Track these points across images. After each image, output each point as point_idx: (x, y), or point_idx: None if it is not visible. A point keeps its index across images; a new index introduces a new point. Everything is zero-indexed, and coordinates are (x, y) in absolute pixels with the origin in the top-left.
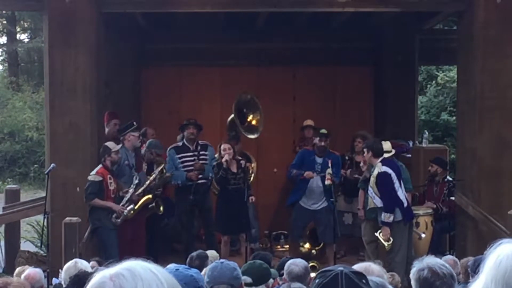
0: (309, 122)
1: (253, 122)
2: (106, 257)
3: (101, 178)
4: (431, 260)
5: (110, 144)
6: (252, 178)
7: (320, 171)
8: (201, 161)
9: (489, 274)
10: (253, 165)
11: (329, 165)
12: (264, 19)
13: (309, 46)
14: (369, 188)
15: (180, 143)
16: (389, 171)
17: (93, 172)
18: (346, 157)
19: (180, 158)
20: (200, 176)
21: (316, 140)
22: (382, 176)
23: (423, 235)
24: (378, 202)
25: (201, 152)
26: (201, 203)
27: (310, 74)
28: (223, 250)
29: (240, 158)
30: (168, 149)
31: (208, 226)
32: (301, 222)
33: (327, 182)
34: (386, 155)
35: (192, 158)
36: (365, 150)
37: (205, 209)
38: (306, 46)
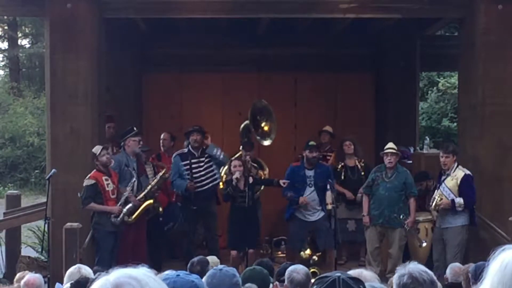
0: (327, 128)
1: (266, 129)
2: (98, 261)
3: (93, 181)
4: (413, 266)
5: (94, 149)
6: (263, 186)
7: (314, 184)
8: (206, 165)
9: (495, 278)
10: (265, 172)
11: (328, 187)
12: (265, 25)
13: (311, 52)
14: (446, 189)
15: (185, 150)
16: (470, 173)
17: (87, 177)
18: (339, 167)
19: (185, 165)
20: (197, 185)
21: (306, 152)
22: (470, 178)
23: (424, 243)
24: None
25: (207, 159)
26: (204, 209)
27: (312, 80)
28: (233, 265)
29: (248, 174)
30: (173, 155)
31: (210, 230)
32: (301, 234)
33: (329, 207)
34: (388, 151)
35: (197, 165)
36: (450, 154)
37: (209, 214)
38: (307, 52)
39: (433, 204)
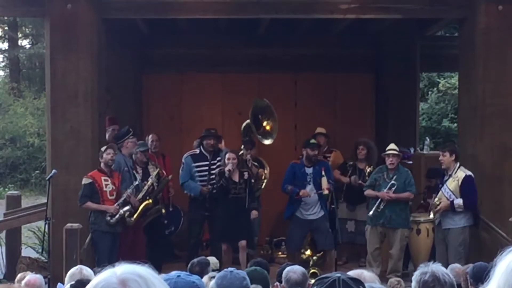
0: (320, 129)
1: (267, 128)
2: (96, 261)
3: (90, 180)
4: (436, 267)
5: (103, 148)
6: (264, 184)
7: (313, 181)
8: (217, 168)
9: (501, 280)
10: (266, 171)
11: (323, 173)
12: (265, 25)
13: (311, 52)
14: (448, 190)
15: (197, 151)
16: (472, 174)
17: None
18: (349, 164)
19: (197, 167)
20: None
21: (308, 150)
22: (471, 179)
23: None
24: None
25: (218, 163)
26: (213, 210)
27: (312, 81)
28: (224, 259)
29: (244, 170)
30: (185, 156)
31: (215, 234)
32: (300, 234)
33: (325, 192)
34: (389, 152)
35: (206, 168)
36: (447, 153)
37: (215, 217)
38: (307, 53)
39: (433, 209)
